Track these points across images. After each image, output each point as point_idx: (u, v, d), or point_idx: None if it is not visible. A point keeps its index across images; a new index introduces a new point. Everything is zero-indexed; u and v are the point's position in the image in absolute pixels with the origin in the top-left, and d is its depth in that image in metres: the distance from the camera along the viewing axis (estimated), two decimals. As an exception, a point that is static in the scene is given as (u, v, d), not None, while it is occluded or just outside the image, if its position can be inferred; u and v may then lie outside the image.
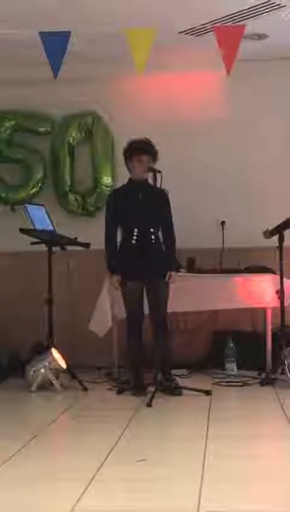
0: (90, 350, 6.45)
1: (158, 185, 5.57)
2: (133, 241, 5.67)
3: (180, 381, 5.81)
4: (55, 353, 5.89)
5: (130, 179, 5.82)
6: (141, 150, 5.67)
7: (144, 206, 5.68)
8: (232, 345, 6.29)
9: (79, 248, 6.10)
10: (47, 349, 5.92)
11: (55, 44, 5.39)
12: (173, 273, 5.69)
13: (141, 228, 5.67)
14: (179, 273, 5.96)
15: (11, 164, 7.09)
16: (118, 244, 5.76)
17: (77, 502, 3.25)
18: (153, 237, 5.69)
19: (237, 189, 6.84)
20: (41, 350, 6.06)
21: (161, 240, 5.76)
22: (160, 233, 5.75)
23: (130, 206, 5.72)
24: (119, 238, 5.79)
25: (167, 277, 5.64)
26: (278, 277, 6.00)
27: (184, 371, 6.32)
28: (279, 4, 5.39)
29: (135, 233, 5.67)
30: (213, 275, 6.35)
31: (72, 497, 3.29)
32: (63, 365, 5.91)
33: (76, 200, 7.05)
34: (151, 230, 5.69)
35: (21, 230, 6.00)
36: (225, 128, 6.85)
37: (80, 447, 4.31)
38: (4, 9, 5.33)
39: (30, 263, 6.69)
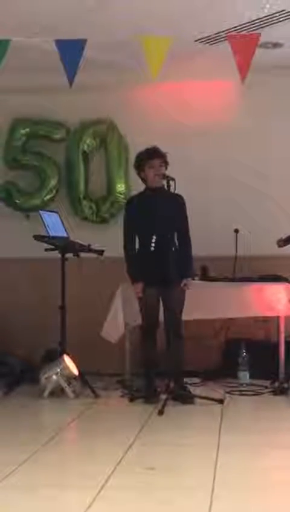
0: (102, 357, 6.45)
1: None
2: (152, 248, 5.66)
3: (193, 390, 5.80)
4: (68, 360, 5.89)
5: (146, 187, 5.83)
6: (151, 155, 5.69)
7: (161, 213, 5.68)
8: (245, 353, 6.26)
9: (93, 255, 6.11)
10: (59, 355, 5.93)
11: (71, 52, 5.40)
12: (188, 280, 5.68)
13: (159, 235, 5.67)
14: (193, 281, 5.95)
15: (26, 171, 7.12)
16: (136, 251, 5.77)
17: (87, 509, 3.25)
18: (170, 244, 5.69)
19: (251, 197, 6.82)
20: (54, 357, 6.06)
21: (178, 247, 5.76)
22: (176, 240, 5.75)
23: (147, 214, 5.73)
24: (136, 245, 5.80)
25: (182, 284, 5.64)
26: (291, 286, 5.98)
27: (196, 379, 6.30)
28: (294, 13, 5.38)
29: (153, 241, 5.67)
30: (226, 283, 6.33)
31: (82, 504, 3.29)
32: (75, 372, 5.91)
33: (90, 207, 7.07)
34: (169, 236, 5.69)
35: (35, 237, 6.03)
36: (238, 136, 6.84)
37: (90, 454, 4.31)
38: (20, 17, 5.36)
39: (44, 270, 6.70)
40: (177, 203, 5.73)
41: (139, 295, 5.68)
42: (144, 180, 5.81)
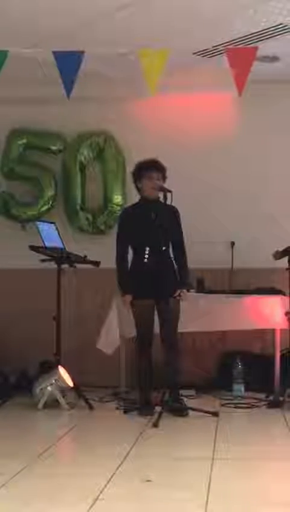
0: (97, 369, 6.44)
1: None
2: (145, 260, 5.67)
3: (188, 402, 5.78)
4: (62, 371, 5.88)
5: (141, 198, 5.84)
6: (150, 167, 5.71)
7: (155, 225, 5.69)
8: (240, 366, 6.25)
9: (88, 266, 6.11)
10: (54, 367, 5.91)
11: (69, 64, 5.42)
12: (183, 291, 5.67)
13: (152, 247, 5.67)
14: (188, 293, 5.94)
15: (23, 181, 7.13)
16: (130, 263, 5.76)
17: (81, 521, 3.24)
18: (164, 256, 5.69)
19: (247, 210, 6.84)
20: (49, 368, 6.05)
21: (172, 258, 5.76)
22: (171, 252, 5.76)
23: (142, 225, 5.73)
24: (130, 257, 5.79)
25: (177, 294, 5.63)
26: (287, 298, 5.98)
27: (192, 392, 6.29)
28: (291, 27, 5.42)
29: (147, 252, 5.67)
30: (222, 295, 6.33)
31: (76, 517, 3.27)
32: (70, 383, 5.89)
33: (87, 218, 7.07)
34: (163, 248, 5.70)
35: (31, 247, 6.02)
36: (236, 149, 6.86)
37: (85, 465, 4.29)
38: (18, 28, 5.38)
39: (39, 280, 6.69)
40: (172, 214, 5.73)
41: (128, 308, 5.69)
42: (139, 190, 5.82)
